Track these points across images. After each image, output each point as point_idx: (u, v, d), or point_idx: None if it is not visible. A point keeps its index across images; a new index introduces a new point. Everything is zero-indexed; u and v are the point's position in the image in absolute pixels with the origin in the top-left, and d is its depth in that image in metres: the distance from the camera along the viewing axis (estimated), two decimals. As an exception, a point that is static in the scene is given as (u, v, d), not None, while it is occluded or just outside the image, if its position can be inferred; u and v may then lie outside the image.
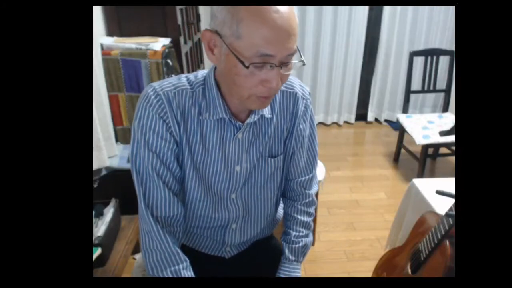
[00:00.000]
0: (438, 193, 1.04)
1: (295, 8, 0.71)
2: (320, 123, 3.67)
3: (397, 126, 2.93)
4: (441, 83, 2.86)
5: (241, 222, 0.98)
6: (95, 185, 1.73)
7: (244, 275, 1.02)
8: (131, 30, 1.82)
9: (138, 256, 1.53)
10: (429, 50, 2.75)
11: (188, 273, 0.85)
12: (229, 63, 0.72)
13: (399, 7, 3.26)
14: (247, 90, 0.74)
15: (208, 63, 2.68)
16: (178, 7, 1.86)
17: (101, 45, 1.73)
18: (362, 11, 3.25)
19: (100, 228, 1.46)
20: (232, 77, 0.73)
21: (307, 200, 1.01)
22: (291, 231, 1.00)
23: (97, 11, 1.76)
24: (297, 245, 0.99)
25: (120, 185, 1.65)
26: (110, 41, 1.75)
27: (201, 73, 0.87)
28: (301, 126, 0.93)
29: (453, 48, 3.13)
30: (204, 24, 2.62)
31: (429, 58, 2.71)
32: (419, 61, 3.04)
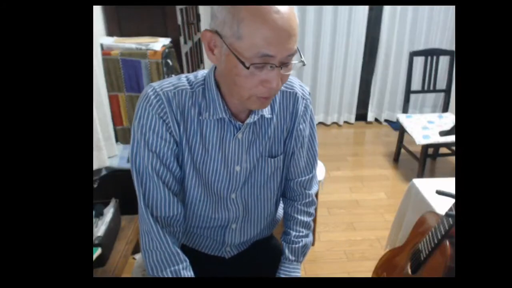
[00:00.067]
0: (438, 193, 1.04)
1: (295, 8, 0.71)
2: (320, 123, 3.67)
3: (397, 126, 2.93)
4: (441, 83, 2.86)
5: (241, 222, 0.98)
6: (95, 185, 1.73)
7: (244, 275, 1.02)
8: (131, 30, 1.82)
9: (138, 256, 1.53)
10: (429, 50, 2.75)
11: (188, 273, 0.85)
12: (229, 63, 0.72)
13: (399, 7, 3.26)
14: (247, 91, 0.74)
15: (208, 63, 2.68)
16: (178, 7, 1.86)
17: (101, 45, 1.73)
18: (362, 11, 3.25)
19: (100, 228, 1.46)
20: (233, 78, 0.73)
21: (307, 200, 1.01)
22: (291, 231, 1.00)
23: (97, 11, 1.76)
24: (297, 245, 0.99)
25: (120, 185, 1.65)
26: (110, 41, 1.75)
27: (201, 73, 0.87)
28: (301, 126, 0.93)
29: (453, 48, 3.13)
30: (204, 24, 2.62)
31: (429, 58, 2.71)
32: (419, 61, 3.04)
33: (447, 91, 2.79)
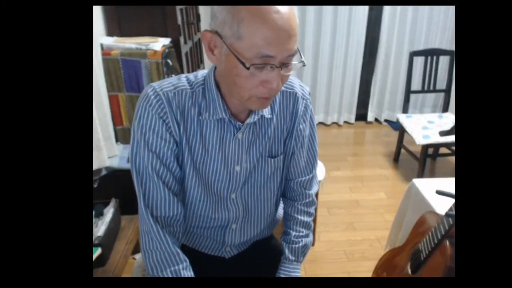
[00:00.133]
0: (438, 193, 1.04)
1: (295, 8, 0.71)
2: (320, 123, 3.67)
3: (397, 126, 2.93)
4: (441, 83, 2.86)
5: (241, 222, 0.98)
6: (95, 185, 1.73)
7: (244, 275, 1.02)
8: (131, 30, 1.82)
9: (138, 256, 1.53)
10: (429, 50, 2.75)
11: (188, 273, 0.85)
12: (229, 63, 0.72)
13: (399, 7, 3.26)
14: (247, 91, 0.74)
15: (208, 63, 2.68)
16: (178, 7, 1.86)
17: (101, 45, 1.73)
18: (362, 11, 3.25)
19: (100, 228, 1.46)
20: (233, 78, 0.73)
21: (307, 200, 1.01)
22: (291, 231, 1.00)
23: (97, 11, 1.76)
24: (297, 245, 0.99)
25: (120, 185, 1.65)
26: (110, 41, 1.75)
27: (201, 73, 0.87)
28: (301, 126, 0.93)
29: (453, 48, 3.13)
30: (204, 24, 2.62)
31: (429, 58, 2.71)
32: (419, 61, 3.04)
33: (447, 91, 2.79)
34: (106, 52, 1.72)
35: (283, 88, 0.90)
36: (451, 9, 3.30)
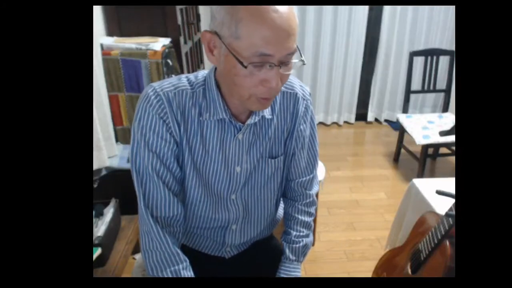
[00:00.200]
0: (438, 193, 1.04)
1: (295, 8, 0.71)
2: (320, 123, 3.67)
3: (397, 126, 2.93)
4: (441, 83, 2.86)
5: (241, 223, 0.98)
6: (95, 185, 1.73)
7: (244, 275, 1.02)
8: (131, 30, 1.82)
9: (138, 256, 1.53)
10: (429, 50, 2.75)
11: (188, 273, 0.85)
12: (228, 63, 0.72)
13: (399, 7, 3.26)
14: (247, 91, 0.74)
15: (208, 63, 2.68)
16: (178, 7, 1.86)
17: (101, 45, 1.73)
18: (362, 11, 3.25)
19: (100, 228, 1.46)
20: (232, 78, 0.73)
21: (307, 200, 1.01)
22: (292, 231, 1.00)
23: (97, 11, 1.76)
24: (297, 245, 0.99)
25: (120, 185, 1.65)
26: (110, 41, 1.75)
27: (202, 73, 0.87)
28: (301, 127, 0.93)
29: (453, 48, 3.13)
30: (204, 24, 2.62)
31: (429, 58, 2.71)
32: (419, 61, 3.04)
33: (447, 91, 2.79)
34: (106, 52, 1.72)
35: (283, 88, 0.90)
36: (451, 9, 3.30)
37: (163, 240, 0.83)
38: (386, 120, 3.72)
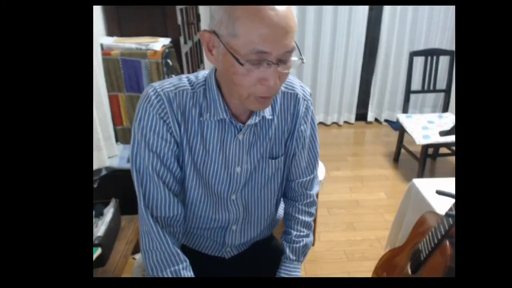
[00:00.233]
0: (438, 193, 1.04)
1: (295, 8, 0.71)
2: (320, 123, 3.67)
3: (397, 126, 2.93)
4: (441, 83, 2.86)
5: (241, 223, 0.98)
6: (95, 185, 1.73)
7: (244, 275, 1.02)
8: (131, 30, 1.82)
9: (138, 256, 1.53)
10: (429, 50, 2.75)
11: (188, 273, 0.85)
12: (226, 62, 0.72)
13: (399, 7, 3.26)
14: (246, 89, 0.74)
15: (208, 63, 2.68)
16: (178, 7, 1.86)
17: (101, 45, 1.73)
18: (362, 11, 3.25)
19: (100, 228, 1.46)
20: (230, 77, 0.73)
21: (308, 201, 1.01)
22: (292, 231, 1.00)
23: (97, 11, 1.76)
24: (298, 245, 0.99)
25: (120, 185, 1.65)
26: (110, 41, 1.75)
27: (202, 73, 0.87)
28: (302, 127, 0.93)
29: (453, 48, 3.13)
30: (204, 24, 2.62)
31: (429, 58, 2.71)
32: (419, 61, 3.04)
33: (447, 91, 2.79)
34: (106, 52, 1.72)
35: (283, 89, 0.90)
36: (451, 9, 3.30)
37: (163, 240, 0.83)
38: (386, 120, 3.72)
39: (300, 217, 1.00)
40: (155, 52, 1.70)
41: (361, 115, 3.73)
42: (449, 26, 3.37)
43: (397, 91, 3.58)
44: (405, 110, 2.80)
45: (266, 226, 1.03)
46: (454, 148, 2.67)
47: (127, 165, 1.76)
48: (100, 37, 1.76)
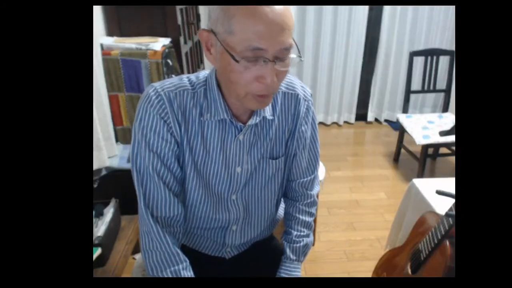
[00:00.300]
0: (438, 193, 1.04)
1: (294, 8, 0.71)
2: (320, 123, 3.67)
3: (397, 126, 2.93)
4: (441, 83, 2.86)
5: (242, 223, 0.98)
6: (95, 185, 1.73)
7: (244, 275, 1.02)
8: (131, 30, 1.82)
9: (138, 256, 1.53)
10: (429, 50, 2.75)
11: (188, 273, 0.85)
12: (224, 61, 0.72)
13: (399, 7, 3.26)
14: (243, 87, 0.73)
15: (208, 63, 2.68)
16: (178, 7, 1.86)
17: (101, 45, 1.73)
18: (362, 11, 3.25)
19: (100, 228, 1.46)
20: (228, 75, 0.73)
21: (308, 201, 1.01)
22: (293, 231, 1.00)
23: (97, 11, 1.76)
24: (298, 245, 0.99)
25: (120, 185, 1.65)
26: (110, 41, 1.75)
27: (203, 73, 0.87)
28: (302, 128, 0.93)
29: (453, 48, 3.13)
30: (204, 25, 2.62)
31: (429, 58, 2.71)
32: (419, 61, 3.04)
33: (447, 91, 2.79)
34: (106, 52, 1.72)
35: (284, 89, 0.90)
36: (451, 9, 3.30)
37: (163, 240, 0.83)
38: (386, 120, 3.72)
39: (300, 217, 1.00)
40: (155, 52, 1.70)
41: (361, 115, 3.73)
42: (449, 26, 3.37)
43: (397, 91, 3.58)
44: (405, 110, 2.80)
45: (266, 226, 1.03)
46: (454, 148, 2.67)
47: (127, 165, 1.76)
48: (100, 37, 1.76)
